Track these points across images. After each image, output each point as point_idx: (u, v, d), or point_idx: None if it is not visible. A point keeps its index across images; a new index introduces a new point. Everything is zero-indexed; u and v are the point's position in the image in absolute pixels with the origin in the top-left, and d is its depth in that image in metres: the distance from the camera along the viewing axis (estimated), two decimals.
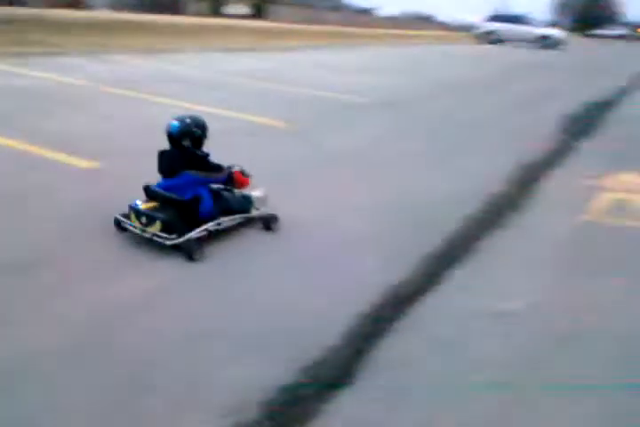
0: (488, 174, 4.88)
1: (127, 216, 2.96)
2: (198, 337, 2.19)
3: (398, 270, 2.87)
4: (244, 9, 41.20)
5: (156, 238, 2.84)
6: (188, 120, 2.95)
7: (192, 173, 2.94)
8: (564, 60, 21.16)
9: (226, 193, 3.17)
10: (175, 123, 2.93)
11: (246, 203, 3.21)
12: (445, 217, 3.71)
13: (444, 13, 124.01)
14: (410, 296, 2.63)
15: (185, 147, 2.95)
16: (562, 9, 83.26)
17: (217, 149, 3.20)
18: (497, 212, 3.97)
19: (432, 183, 4.53)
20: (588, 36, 67.90)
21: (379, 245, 3.24)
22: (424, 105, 8.28)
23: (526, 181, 4.80)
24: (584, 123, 7.56)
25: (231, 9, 40.37)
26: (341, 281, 2.75)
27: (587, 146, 6.25)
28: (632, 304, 2.77)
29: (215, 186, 3.15)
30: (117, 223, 3.03)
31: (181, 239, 2.80)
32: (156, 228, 2.84)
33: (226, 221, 3.07)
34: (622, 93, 11.01)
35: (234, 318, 2.35)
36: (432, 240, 3.30)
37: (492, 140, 6.31)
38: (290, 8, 42.09)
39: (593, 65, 19.79)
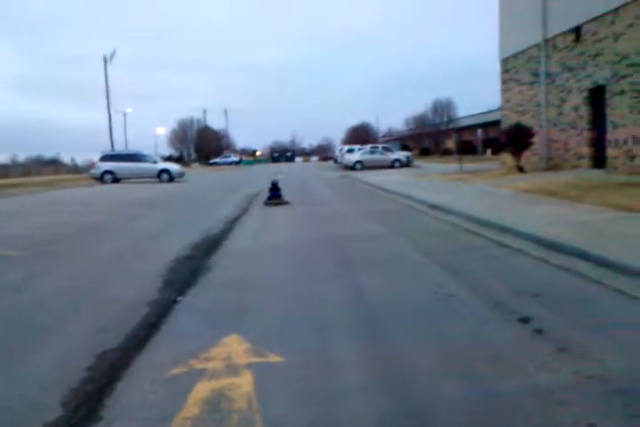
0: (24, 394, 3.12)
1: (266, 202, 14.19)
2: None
3: None
4: None
5: (273, 203, 13.95)
6: (276, 180, 14.69)
7: (278, 191, 14.26)
8: (180, 193, 21.59)
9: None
10: (275, 179, 14.67)
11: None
12: None
13: (70, 154, 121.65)
14: None
15: (276, 185, 14.18)
16: (179, 142, 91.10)
17: None
18: None
19: None
20: (208, 164, 75.32)
21: None
22: None
23: (92, 393, 3.22)
24: (188, 267, 6.59)
25: None
26: None
27: (186, 302, 5.11)
28: None
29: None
30: (265, 203, 14.09)
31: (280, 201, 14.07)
32: (275, 202, 13.96)
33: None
34: (232, 223, 10.87)
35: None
36: None
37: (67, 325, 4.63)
38: None
39: (206, 195, 20.58)
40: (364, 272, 5.98)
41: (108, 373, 3.52)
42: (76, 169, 60.44)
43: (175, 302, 5.13)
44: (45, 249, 8.28)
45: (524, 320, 4.06)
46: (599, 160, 16.93)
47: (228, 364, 3.53)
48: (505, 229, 7.65)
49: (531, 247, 6.61)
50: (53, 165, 72.24)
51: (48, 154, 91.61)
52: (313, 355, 3.62)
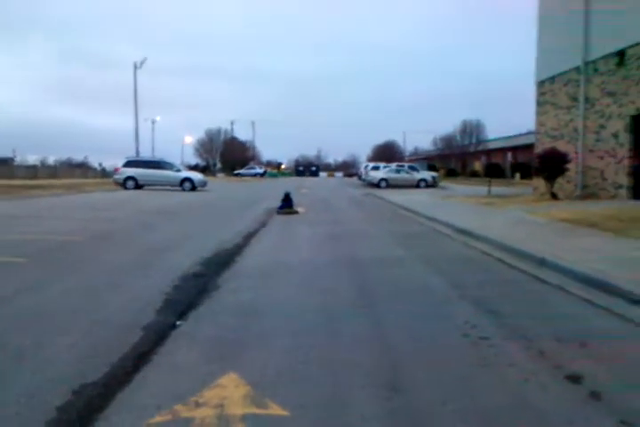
0: None
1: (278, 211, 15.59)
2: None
3: None
4: None
5: (285, 212, 15.29)
6: (289, 191, 16.25)
7: (290, 201, 15.76)
8: (200, 202, 21.23)
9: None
10: (288, 192, 16.07)
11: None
12: None
13: (99, 158, 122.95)
14: None
15: (288, 196, 15.83)
16: (206, 152, 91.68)
17: None
18: None
19: None
20: (233, 175, 75.53)
21: None
22: None
23: None
24: (195, 286, 6.07)
25: None
26: None
27: (186, 327, 4.57)
28: None
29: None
30: (277, 212, 15.41)
31: (292, 211, 15.53)
32: (287, 211, 15.28)
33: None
34: (247, 238, 10.35)
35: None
36: None
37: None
38: None
39: (226, 206, 20.20)
40: (384, 304, 5.37)
41: (80, 415, 2.99)
42: (103, 173, 60.90)
43: (174, 326, 4.61)
44: (50, 257, 7.85)
45: (575, 379, 3.42)
46: (639, 190, 16.10)
47: (220, 414, 2.97)
48: (543, 262, 6.98)
49: (573, 285, 5.95)
50: (82, 168, 73.14)
51: (78, 157, 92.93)
52: (323, 410, 3.03)
